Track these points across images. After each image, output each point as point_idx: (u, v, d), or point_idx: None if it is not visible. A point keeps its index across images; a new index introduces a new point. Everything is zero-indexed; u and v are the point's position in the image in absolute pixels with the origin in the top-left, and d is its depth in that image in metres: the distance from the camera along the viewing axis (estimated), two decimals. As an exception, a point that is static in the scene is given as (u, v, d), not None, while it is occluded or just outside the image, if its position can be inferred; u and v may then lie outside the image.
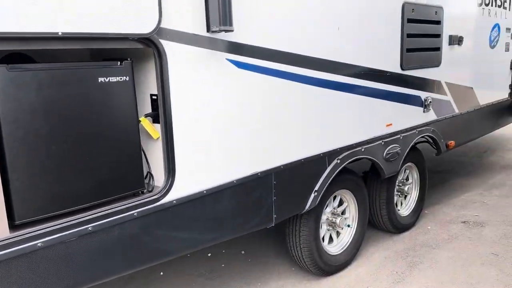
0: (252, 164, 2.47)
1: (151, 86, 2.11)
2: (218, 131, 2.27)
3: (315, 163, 2.86)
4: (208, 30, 2.11)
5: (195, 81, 2.13)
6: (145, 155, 2.14)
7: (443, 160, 6.15)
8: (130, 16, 1.78)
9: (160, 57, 1.96)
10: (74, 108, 1.77)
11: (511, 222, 4.15)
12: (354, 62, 3.07)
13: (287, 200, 2.71)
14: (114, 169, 1.94)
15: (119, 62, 1.90)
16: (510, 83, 5.55)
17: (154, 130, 2.13)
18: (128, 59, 1.94)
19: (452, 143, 4.30)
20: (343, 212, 3.38)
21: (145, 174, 2.13)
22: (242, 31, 2.26)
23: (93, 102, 1.83)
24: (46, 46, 1.62)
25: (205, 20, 2.10)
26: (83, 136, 1.81)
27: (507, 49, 5.33)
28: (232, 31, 2.14)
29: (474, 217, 4.31)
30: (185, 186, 2.13)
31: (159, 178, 2.15)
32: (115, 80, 1.88)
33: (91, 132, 1.84)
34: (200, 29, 2.10)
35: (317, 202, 2.87)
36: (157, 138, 2.13)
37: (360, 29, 3.08)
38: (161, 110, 2.05)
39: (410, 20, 3.50)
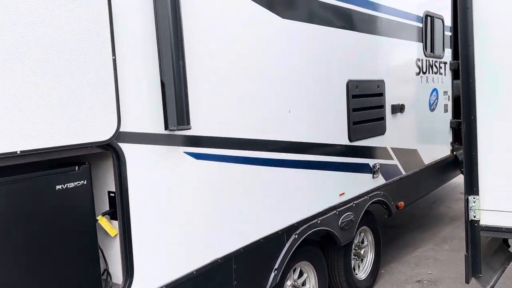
0: (212, 251, 2.51)
1: (109, 183, 2.15)
2: (177, 222, 2.32)
3: (273, 241, 2.94)
4: (166, 128, 2.21)
5: (153, 177, 2.20)
6: (102, 253, 2.14)
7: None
8: (89, 126, 1.85)
9: (118, 159, 2.02)
10: (31, 218, 1.78)
11: (463, 280, 4.34)
12: (306, 139, 3.26)
13: (247, 283, 2.74)
14: (71, 272, 1.93)
15: (76, 167, 1.94)
16: (451, 140, 5.97)
17: (112, 227, 2.14)
18: (86, 162, 1.99)
19: (401, 204, 4.53)
20: (303, 283, 3.43)
21: (103, 271, 2.12)
22: (198, 125, 2.38)
23: (50, 209, 1.85)
24: (5, 163, 1.65)
25: (163, 119, 2.20)
26: (39, 245, 1.81)
27: (446, 110, 5.79)
28: (190, 129, 2.24)
29: (428, 275, 4.48)
30: (144, 284, 2.13)
31: (118, 275, 2.15)
32: (73, 185, 1.91)
33: (47, 239, 1.84)
34: (158, 127, 2.19)
35: (277, 280, 2.92)
36: (115, 235, 2.15)
37: (310, 109, 3.30)
38: (118, 208, 2.09)
39: (354, 96, 3.78)
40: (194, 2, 2.34)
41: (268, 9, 2.89)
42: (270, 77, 2.92)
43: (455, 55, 5.87)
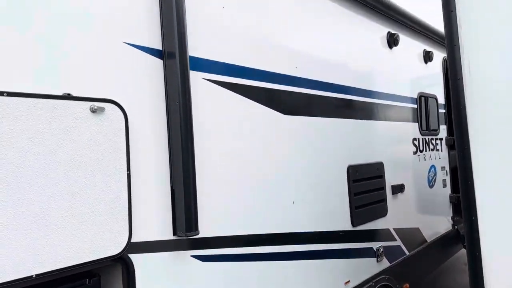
0: None
1: (117, 290, 2.16)
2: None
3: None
4: (175, 234, 2.27)
5: (161, 284, 2.22)
6: None
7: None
8: (101, 241, 1.90)
9: (127, 270, 2.05)
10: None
11: None
12: (309, 229, 3.30)
13: None
14: None
15: (87, 280, 1.97)
16: (451, 215, 6.00)
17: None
18: (96, 274, 2.02)
19: (407, 286, 4.47)
20: None
21: None
22: (205, 227, 2.43)
23: (60, 327, 1.85)
24: (22, 285, 1.69)
25: (171, 225, 2.26)
26: None
27: (444, 185, 5.87)
28: (198, 234, 2.30)
29: None
30: None
31: None
32: (84, 298, 1.93)
33: None
34: (166, 234, 2.25)
35: None
36: None
37: (312, 198, 3.37)
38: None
39: (355, 181, 3.87)
40: (205, 121, 2.48)
41: (270, 108, 3.05)
42: (273, 170, 3.02)
43: (450, 131, 6.06)
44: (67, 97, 1.81)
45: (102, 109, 1.89)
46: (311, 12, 3.57)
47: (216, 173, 2.56)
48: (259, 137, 2.93)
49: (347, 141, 3.90)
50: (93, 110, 1.86)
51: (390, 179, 4.44)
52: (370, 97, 4.28)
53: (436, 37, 5.63)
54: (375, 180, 4.21)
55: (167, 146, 2.29)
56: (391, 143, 4.69)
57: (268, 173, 2.96)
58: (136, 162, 2.09)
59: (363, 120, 4.14)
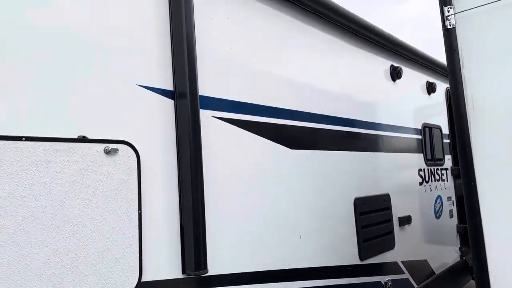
0: None
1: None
2: None
3: None
4: (183, 272, 2.27)
5: (170, 324, 2.21)
6: None
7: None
8: (112, 282, 1.92)
9: (137, 310, 2.06)
10: None
11: None
12: (317, 264, 3.28)
13: None
14: None
15: (98, 321, 1.97)
16: (459, 246, 5.94)
17: None
18: (107, 314, 2.02)
19: (416, 321, 4.40)
20: None
21: None
22: (212, 265, 2.44)
23: None
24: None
25: (180, 264, 2.27)
26: None
27: (451, 216, 5.84)
28: (207, 273, 2.30)
29: None
30: None
31: None
32: None
33: None
34: (175, 273, 2.25)
35: None
36: None
37: (320, 232, 3.37)
38: None
39: (362, 213, 3.87)
40: (214, 157, 2.53)
41: (277, 142, 3.10)
42: (281, 205, 3.04)
43: (455, 161, 6.07)
44: (82, 139, 1.86)
45: (115, 150, 1.94)
46: (315, 49, 3.67)
47: (225, 209, 2.59)
48: (266, 172, 2.97)
49: (353, 174, 3.92)
50: (107, 152, 1.91)
51: (397, 211, 4.44)
52: (375, 129, 4.33)
53: (438, 69, 5.73)
54: (382, 212, 4.21)
55: (177, 183, 2.33)
56: (397, 174, 4.71)
57: (276, 208, 2.98)
58: (146, 200, 2.12)
59: (369, 152, 4.18)
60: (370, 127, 4.23)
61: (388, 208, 4.30)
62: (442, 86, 6.04)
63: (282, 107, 3.17)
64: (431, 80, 5.72)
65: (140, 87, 2.19)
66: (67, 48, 1.96)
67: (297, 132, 3.30)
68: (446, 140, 6.03)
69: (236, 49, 2.81)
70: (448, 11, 2.59)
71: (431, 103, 5.75)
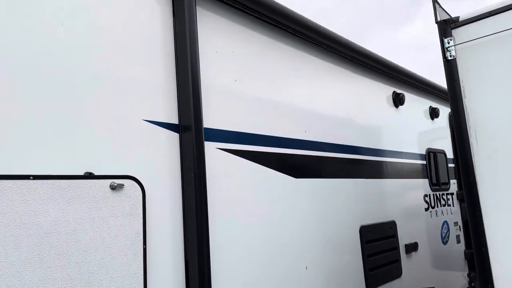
0: None
1: None
2: None
3: None
4: (188, 307, 2.25)
5: None
6: None
7: None
8: (118, 319, 1.90)
9: None
10: None
11: None
12: (323, 294, 3.24)
13: None
14: None
15: None
16: (467, 272, 5.83)
17: None
18: None
19: None
20: None
21: None
22: (220, 298, 2.42)
23: None
24: None
25: (185, 299, 2.26)
26: None
27: (458, 241, 5.77)
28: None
29: None
30: None
31: None
32: None
33: None
34: (180, 307, 2.23)
35: None
36: None
37: (325, 261, 3.33)
38: None
39: (368, 241, 3.84)
40: (218, 188, 2.54)
41: (281, 172, 3.10)
42: (287, 235, 3.02)
43: (460, 185, 6.03)
44: (89, 176, 1.88)
45: (121, 186, 1.96)
46: (318, 78, 3.72)
47: (230, 241, 2.58)
48: (271, 202, 2.97)
49: (359, 201, 3.90)
50: (113, 187, 1.93)
51: (404, 238, 4.39)
52: (379, 156, 4.33)
53: (441, 94, 5.76)
54: (388, 239, 4.17)
55: (181, 216, 2.33)
56: (402, 200, 4.68)
57: (281, 238, 2.97)
58: (151, 235, 2.12)
59: (373, 179, 4.17)
60: (374, 153, 4.24)
61: (394, 235, 4.27)
62: (445, 111, 6.05)
63: (286, 137, 3.19)
64: (434, 105, 5.75)
65: (146, 121, 2.22)
66: (73, 84, 2.00)
67: (301, 161, 3.31)
68: (451, 165, 6.01)
69: (240, 81, 2.85)
70: (448, 43, 2.64)
71: (435, 128, 5.76)
